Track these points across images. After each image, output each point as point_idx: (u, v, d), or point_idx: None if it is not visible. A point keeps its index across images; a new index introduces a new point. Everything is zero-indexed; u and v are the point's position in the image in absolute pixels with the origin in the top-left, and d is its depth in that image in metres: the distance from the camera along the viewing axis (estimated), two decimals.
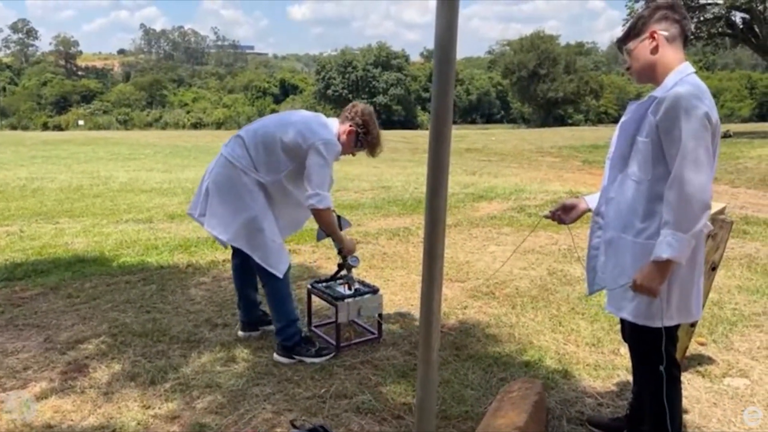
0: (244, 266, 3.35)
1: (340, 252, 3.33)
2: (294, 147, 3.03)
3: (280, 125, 3.11)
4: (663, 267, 1.92)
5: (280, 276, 3.08)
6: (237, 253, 3.31)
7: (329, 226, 3.17)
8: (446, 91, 1.49)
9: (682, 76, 1.96)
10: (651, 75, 2.06)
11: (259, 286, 3.42)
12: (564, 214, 2.40)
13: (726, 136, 19.49)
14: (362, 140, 3.19)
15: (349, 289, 3.35)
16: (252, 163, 3.06)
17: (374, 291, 3.37)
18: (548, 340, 3.44)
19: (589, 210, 2.35)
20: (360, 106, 3.22)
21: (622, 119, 2.11)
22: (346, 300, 3.23)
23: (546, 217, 2.47)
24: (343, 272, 3.41)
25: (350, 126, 3.16)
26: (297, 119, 3.13)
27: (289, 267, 3.17)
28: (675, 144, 1.88)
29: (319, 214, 3.07)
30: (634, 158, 2.05)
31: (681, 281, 2.03)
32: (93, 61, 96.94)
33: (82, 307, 3.94)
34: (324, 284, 3.47)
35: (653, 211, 1.99)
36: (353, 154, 3.29)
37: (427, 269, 1.60)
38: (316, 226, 3.25)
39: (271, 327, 3.32)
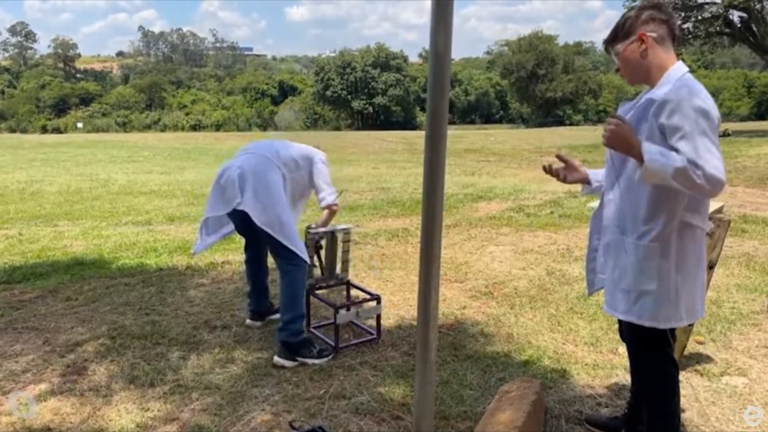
0: (256, 259, 3.64)
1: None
2: (302, 164, 3.40)
3: (282, 147, 3.42)
4: (637, 156, 1.87)
5: (308, 261, 3.26)
6: (249, 246, 3.60)
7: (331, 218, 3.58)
8: (442, 90, 1.49)
9: (678, 75, 1.96)
10: (645, 76, 2.04)
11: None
12: (565, 170, 2.34)
13: (725, 135, 19.51)
14: None
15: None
16: (279, 158, 3.33)
17: (377, 300, 3.43)
18: (547, 339, 3.45)
19: (587, 181, 2.33)
20: None
21: None
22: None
23: (544, 166, 2.35)
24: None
25: None
26: (290, 149, 3.44)
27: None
28: (685, 139, 1.84)
29: (333, 208, 3.49)
30: (631, 160, 2.03)
31: (690, 282, 2.01)
32: (92, 63, 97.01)
33: (81, 310, 3.95)
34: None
35: (656, 213, 1.97)
36: None
37: (424, 269, 1.60)
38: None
39: (277, 316, 3.44)
